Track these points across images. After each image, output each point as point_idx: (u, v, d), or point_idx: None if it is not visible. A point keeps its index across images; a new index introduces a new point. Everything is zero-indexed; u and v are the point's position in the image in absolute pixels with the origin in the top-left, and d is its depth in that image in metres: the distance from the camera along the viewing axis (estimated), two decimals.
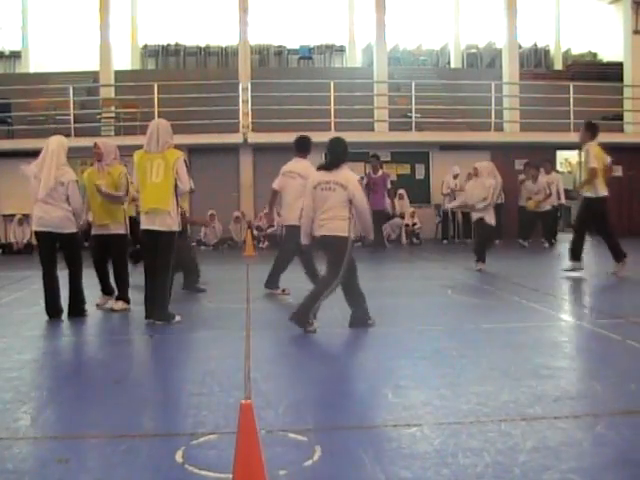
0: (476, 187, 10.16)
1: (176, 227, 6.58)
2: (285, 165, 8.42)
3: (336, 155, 6.22)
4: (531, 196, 14.76)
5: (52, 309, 6.88)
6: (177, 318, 6.62)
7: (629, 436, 3.47)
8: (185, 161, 6.64)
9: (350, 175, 6.20)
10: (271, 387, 4.43)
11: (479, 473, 3.03)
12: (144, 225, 6.63)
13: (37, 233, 6.94)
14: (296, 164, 8.23)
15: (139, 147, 6.65)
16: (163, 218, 6.48)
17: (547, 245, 14.59)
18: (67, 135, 15.91)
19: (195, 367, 5.15)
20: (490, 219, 10.03)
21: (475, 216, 10.29)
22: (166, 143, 6.55)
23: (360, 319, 6.19)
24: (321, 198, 6.11)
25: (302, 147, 8.29)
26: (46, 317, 7.01)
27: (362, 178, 14.09)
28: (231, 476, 2.65)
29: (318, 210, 6.14)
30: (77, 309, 6.99)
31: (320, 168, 6.34)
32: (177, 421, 3.92)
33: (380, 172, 14.70)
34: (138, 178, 6.67)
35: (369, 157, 15.07)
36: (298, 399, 4.13)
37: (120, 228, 7.42)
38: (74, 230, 6.97)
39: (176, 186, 6.52)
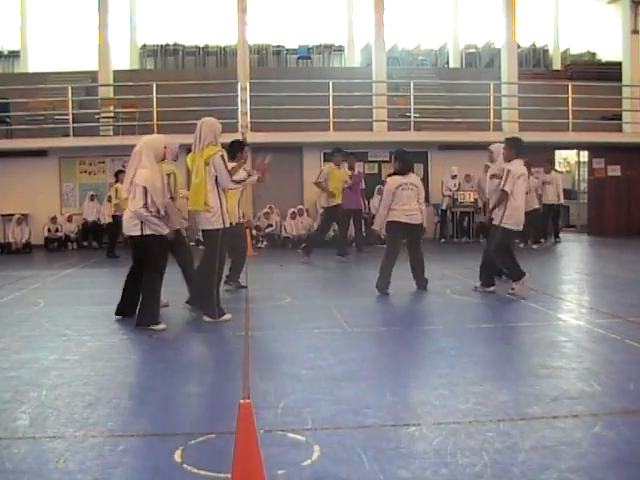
0: None
1: (217, 224, 6.54)
2: None
3: (408, 163, 8.51)
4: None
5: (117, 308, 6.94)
6: (227, 316, 6.69)
7: (628, 436, 3.47)
8: (222, 157, 6.55)
9: (417, 178, 8.66)
10: (270, 387, 4.43)
11: (478, 473, 3.03)
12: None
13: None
14: None
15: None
16: (200, 217, 6.60)
17: (522, 245, 14.05)
18: (66, 135, 16.06)
19: (194, 367, 5.15)
20: None
21: None
22: (206, 141, 6.53)
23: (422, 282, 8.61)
24: (402, 196, 8.27)
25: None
26: (44, 317, 7.04)
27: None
28: (230, 476, 2.65)
29: (396, 204, 8.26)
30: (139, 318, 6.52)
31: (395, 174, 8.49)
32: (176, 421, 3.91)
33: (356, 170, 13.94)
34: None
35: (347, 155, 13.72)
36: (297, 399, 4.13)
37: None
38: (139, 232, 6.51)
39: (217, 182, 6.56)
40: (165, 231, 6.41)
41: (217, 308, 6.71)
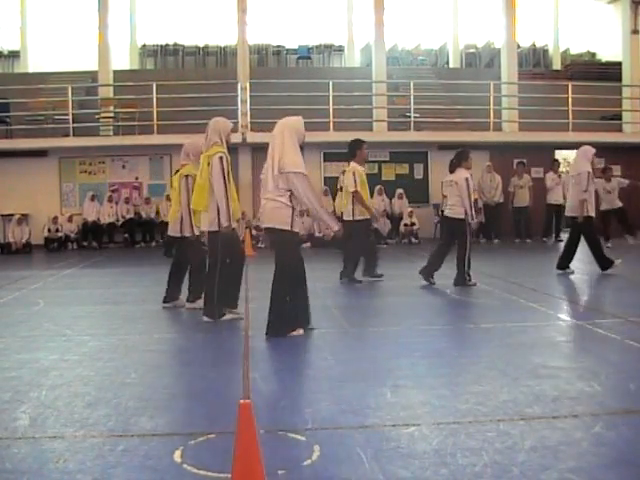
0: None
1: (216, 226, 6.49)
2: None
3: (452, 162, 9.10)
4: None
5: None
6: (227, 316, 6.68)
7: (628, 436, 3.47)
8: (222, 159, 6.43)
9: (460, 175, 8.90)
10: (270, 387, 4.42)
11: (477, 473, 3.03)
12: None
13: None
14: None
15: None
16: (203, 217, 6.60)
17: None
18: (66, 135, 16.07)
19: (194, 366, 5.14)
20: None
21: None
22: (211, 142, 6.51)
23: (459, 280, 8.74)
24: (447, 192, 9.31)
25: None
26: (44, 317, 7.03)
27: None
28: (230, 476, 2.65)
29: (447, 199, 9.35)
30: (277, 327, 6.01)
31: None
32: (175, 421, 3.91)
33: None
34: None
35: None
36: (297, 399, 4.13)
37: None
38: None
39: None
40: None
41: (218, 309, 6.65)
